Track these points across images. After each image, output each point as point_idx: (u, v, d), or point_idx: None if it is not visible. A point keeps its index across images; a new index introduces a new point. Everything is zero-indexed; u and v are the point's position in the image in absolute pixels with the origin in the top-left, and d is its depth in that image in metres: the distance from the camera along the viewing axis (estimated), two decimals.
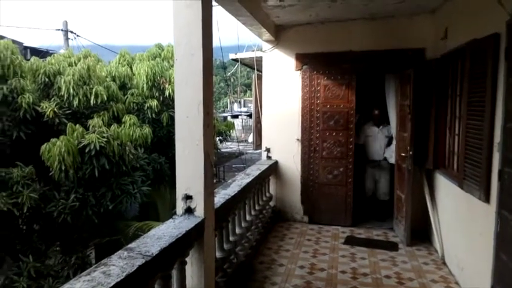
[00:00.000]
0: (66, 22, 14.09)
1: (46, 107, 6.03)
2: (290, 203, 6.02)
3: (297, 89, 5.77)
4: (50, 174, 5.63)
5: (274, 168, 5.93)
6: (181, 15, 2.54)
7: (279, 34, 5.75)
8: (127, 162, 6.10)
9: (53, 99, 6.31)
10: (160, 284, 2.29)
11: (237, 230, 4.15)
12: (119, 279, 1.76)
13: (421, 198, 4.99)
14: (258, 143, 7.16)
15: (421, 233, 5.08)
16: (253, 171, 5.10)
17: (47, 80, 6.38)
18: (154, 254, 2.07)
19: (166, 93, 7.57)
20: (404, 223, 4.97)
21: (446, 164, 4.49)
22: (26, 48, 15.43)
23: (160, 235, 2.35)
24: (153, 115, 7.52)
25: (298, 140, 5.85)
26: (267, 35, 5.46)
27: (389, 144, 5.89)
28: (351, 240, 5.17)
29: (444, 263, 4.41)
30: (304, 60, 5.70)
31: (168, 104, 7.69)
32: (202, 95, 2.60)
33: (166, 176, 7.60)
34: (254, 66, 6.54)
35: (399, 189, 5.21)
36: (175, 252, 2.38)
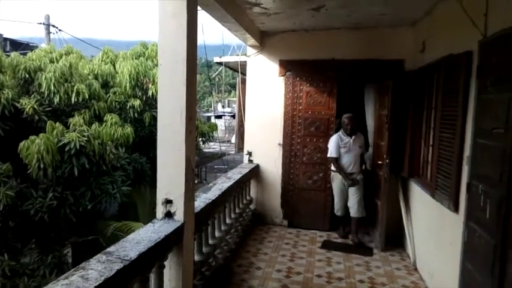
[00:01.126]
0: (48, 16, 13.84)
1: (26, 104, 5.91)
2: (270, 207, 6.10)
3: (280, 94, 5.87)
4: (28, 172, 5.53)
5: (255, 172, 6.00)
6: (167, 23, 2.59)
7: (264, 40, 5.83)
8: (107, 161, 6.04)
9: (33, 95, 6.19)
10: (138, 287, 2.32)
11: (217, 234, 4.20)
12: (97, 284, 1.80)
13: (396, 205, 5.15)
14: (240, 146, 7.23)
15: (395, 239, 5.24)
16: (235, 174, 5.16)
17: (27, 76, 6.25)
18: (132, 259, 2.10)
19: (150, 93, 7.51)
20: (380, 229, 5.12)
21: (420, 173, 4.65)
22: (5, 39, 15.14)
23: (139, 239, 2.39)
24: (136, 115, 7.44)
25: (279, 144, 5.95)
26: (251, 41, 5.53)
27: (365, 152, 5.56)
28: (327, 245, 5.29)
29: (416, 269, 4.56)
30: (288, 66, 5.80)
31: (151, 103, 7.63)
32: (185, 102, 2.65)
33: (147, 176, 7.53)
34: (238, 70, 6.60)
35: (375, 196, 5.36)
36: (154, 256, 2.42)
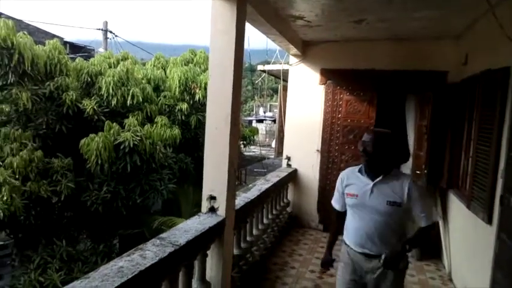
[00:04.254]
0: (106, 22, 14.91)
1: (87, 105, 6.53)
2: (306, 210, 6.30)
3: (320, 102, 6.06)
4: (87, 166, 6.11)
5: (293, 176, 6.22)
6: (216, 40, 2.93)
7: (306, 49, 6.05)
8: (157, 160, 6.54)
9: (93, 97, 6.80)
10: (184, 272, 2.64)
11: (254, 231, 4.48)
12: (153, 262, 2.13)
13: None
14: (279, 151, 7.48)
15: (432, 249, 5.23)
16: (273, 177, 5.41)
17: (89, 79, 6.89)
18: (182, 244, 2.43)
19: (197, 97, 7.97)
20: None
21: (459, 184, 4.66)
22: (65, 43, 16.38)
23: (187, 229, 2.72)
24: (183, 117, 7.92)
25: (318, 151, 6.13)
26: (294, 50, 5.78)
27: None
28: None
29: (450, 279, 4.58)
30: (328, 75, 5.98)
31: (197, 107, 8.09)
32: (230, 110, 2.96)
33: (190, 176, 8.01)
34: (281, 78, 6.87)
35: None
36: (199, 245, 2.74)
